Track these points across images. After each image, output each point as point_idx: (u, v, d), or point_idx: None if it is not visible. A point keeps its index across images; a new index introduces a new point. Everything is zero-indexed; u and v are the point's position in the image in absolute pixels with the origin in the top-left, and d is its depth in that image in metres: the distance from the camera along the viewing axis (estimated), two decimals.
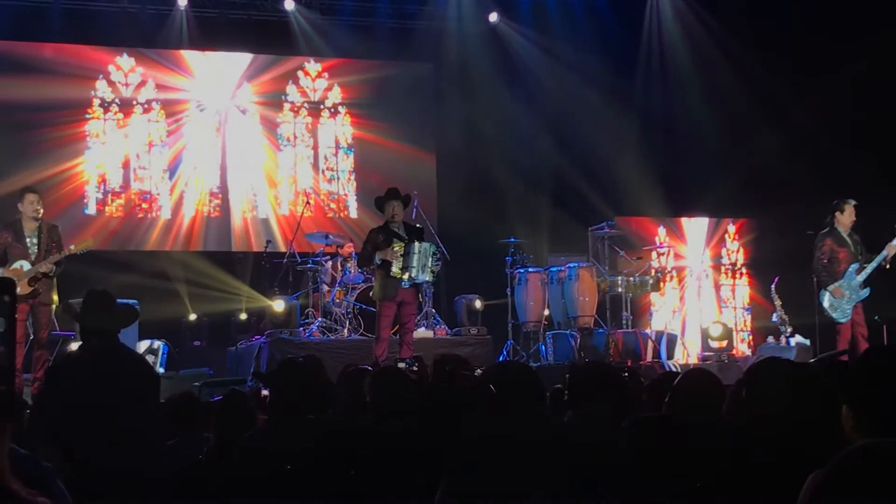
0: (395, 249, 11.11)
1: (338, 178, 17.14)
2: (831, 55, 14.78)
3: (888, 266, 11.65)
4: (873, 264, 11.62)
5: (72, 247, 10.62)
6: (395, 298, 11.22)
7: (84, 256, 14.33)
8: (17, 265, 10.48)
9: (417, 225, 11.92)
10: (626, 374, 6.03)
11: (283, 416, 5.40)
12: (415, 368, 9.85)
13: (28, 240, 10.61)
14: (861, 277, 11.63)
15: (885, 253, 11.59)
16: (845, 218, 11.78)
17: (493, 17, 17.38)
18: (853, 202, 11.82)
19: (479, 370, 8.42)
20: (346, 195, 17.11)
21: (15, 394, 2.31)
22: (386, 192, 11.61)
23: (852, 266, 11.66)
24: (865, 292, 11.67)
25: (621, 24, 17.15)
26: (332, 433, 5.30)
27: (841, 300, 11.63)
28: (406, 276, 11.09)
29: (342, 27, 16.98)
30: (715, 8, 16.53)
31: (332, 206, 17.02)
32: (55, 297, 10.74)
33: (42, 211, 10.71)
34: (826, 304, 11.73)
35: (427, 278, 11.48)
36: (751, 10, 15.90)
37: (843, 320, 11.68)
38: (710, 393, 4.70)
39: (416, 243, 11.19)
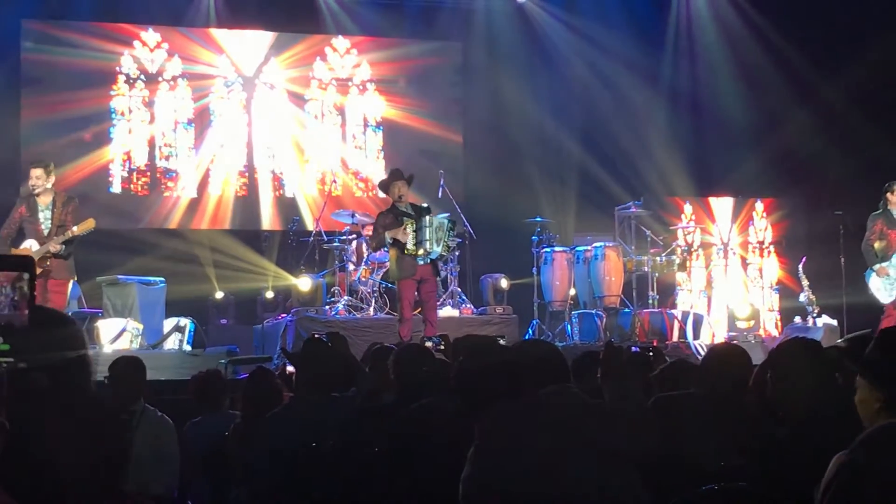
0: (405, 229, 11.10)
1: (366, 157, 17.11)
2: (861, 32, 14.64)
3: None
4: None
5: (74, 228, 10.40)
6: (413, 276, 11.19)
7: (111, 235, 14.44)
8: (25, 244, 10.44)
9: (424, 204, 11.83)
10: (651, 353, 6.00)
11: (308, 393, 5.42)
12: (441, 347, 9.86)
13: (41, 213, 10.52)
14: None
15: None
16: (895, 197, 11.72)
17: None
18: None
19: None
20: (374, 174, 17.06)
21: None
22: (389, 174, 11.66)
23: None
24: None
25: (649, 3, 17.06)
26: (356, 411, 5.32)
27: (886, 280, 11.58)
28: (421, 252, 11.08)
29: (370, 5, 16.95)
30: None
31: (361, 185, 16.99)
32: (73, 275, 10.71)
33: (45, 185, 10.49)
34: (871, 283, 11.70)
35: (441, 251, 11.45)
36: None
37: (886, 301, 11.63)
38: (740, 367, 4.70)
39: (427, 217, 11.19)
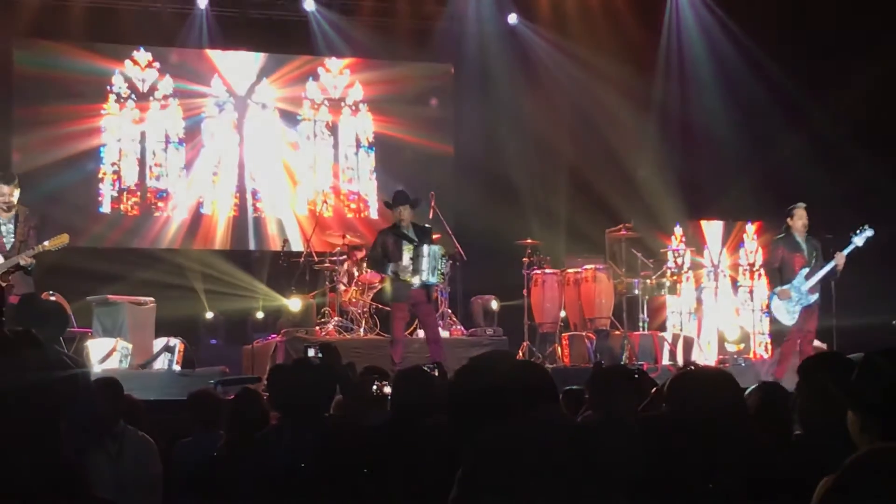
0: (403, 259, 11.20)
1: (358, 178, 17.11)
2: (851, 58, 14.71)
3: (838, 276, 11.73)
4: (821, 272, 11.74)
5: (45, 243, 10.03)
6: (407, 300, 11.27)
7: (101, 254, 14.40)
8: None
9: (426, 225, 11.90)
10: (637, 376, 5.99)
11: (297, 414, 5.39)
12: (435, 373, 9.84)
13: (4, 227, 10.16)
14: (810, 283, 11.70)
15: (833, 262, 11.68)
16: (796, 222, 11.92)
17: (513, 18, 17.36)
18: (802, 205, 12.00)
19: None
20: (367, 195, 17.06)
21: None
22: (394, 197, 11.67)
23: (803, 270, 11.72)
24: (813, 297, 11.78)
25: (640, 26, 17.11)
26: (346, 432, 5.30)
27: (788, 302, 11.74)
28: (416, 280, 11.15)
29: (362, 27, 16.98)
30: (734, 10, 16.47)
31: (352, 206, 16.98)
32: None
33: (11, 200, 10.07)
34: (772, 306, 11.89)
35: (437, 281, 11.54)
36: (770, 12, 15.82)
37: (788, 323, 11.84)
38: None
39: (426, 246, 11.26)
